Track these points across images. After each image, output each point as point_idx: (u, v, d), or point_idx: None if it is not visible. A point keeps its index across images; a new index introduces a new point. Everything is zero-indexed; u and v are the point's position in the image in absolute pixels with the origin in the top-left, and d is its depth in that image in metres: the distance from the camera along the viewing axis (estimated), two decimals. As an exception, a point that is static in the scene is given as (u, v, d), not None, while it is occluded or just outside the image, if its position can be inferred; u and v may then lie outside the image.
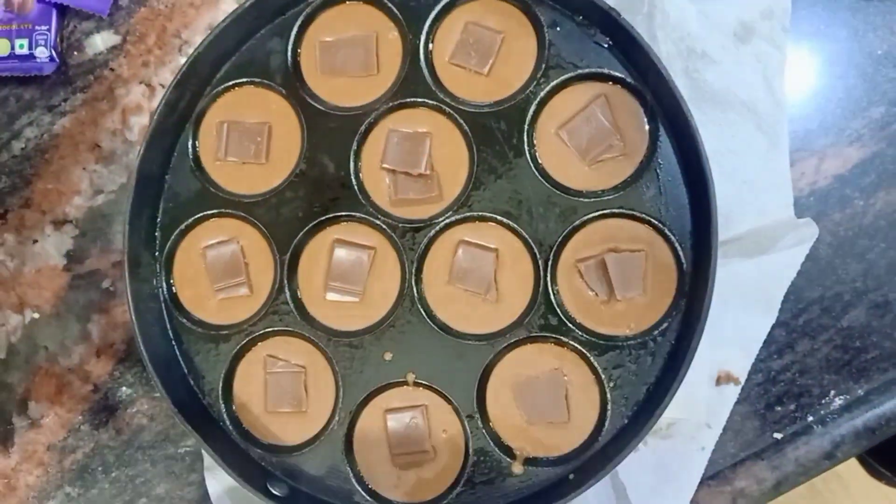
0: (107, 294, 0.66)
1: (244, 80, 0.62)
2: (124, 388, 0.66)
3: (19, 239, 0.67)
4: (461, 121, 0.60)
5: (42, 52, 0.66)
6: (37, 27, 0.67)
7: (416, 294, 0.60)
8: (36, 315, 0.67)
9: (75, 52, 0.68)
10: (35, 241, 0.67)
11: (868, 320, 0.61)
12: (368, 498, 0.59)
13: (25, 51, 0.66)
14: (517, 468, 0.58)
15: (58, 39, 0.67)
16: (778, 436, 0.60)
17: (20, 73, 0.67)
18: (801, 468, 0.60)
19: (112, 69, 0.67)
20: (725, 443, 0.60)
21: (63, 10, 0.67)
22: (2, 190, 0.67)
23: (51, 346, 0.66)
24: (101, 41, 0.68)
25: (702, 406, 0.60)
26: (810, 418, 0.61)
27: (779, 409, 0.61)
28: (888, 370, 0.60)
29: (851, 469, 1.22)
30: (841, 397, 0.60)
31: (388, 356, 0.60)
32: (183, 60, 0.61)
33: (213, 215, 0.62)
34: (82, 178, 0.67)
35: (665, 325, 0.58)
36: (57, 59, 0.67)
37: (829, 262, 0.61)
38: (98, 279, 0.66)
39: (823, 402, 0.61)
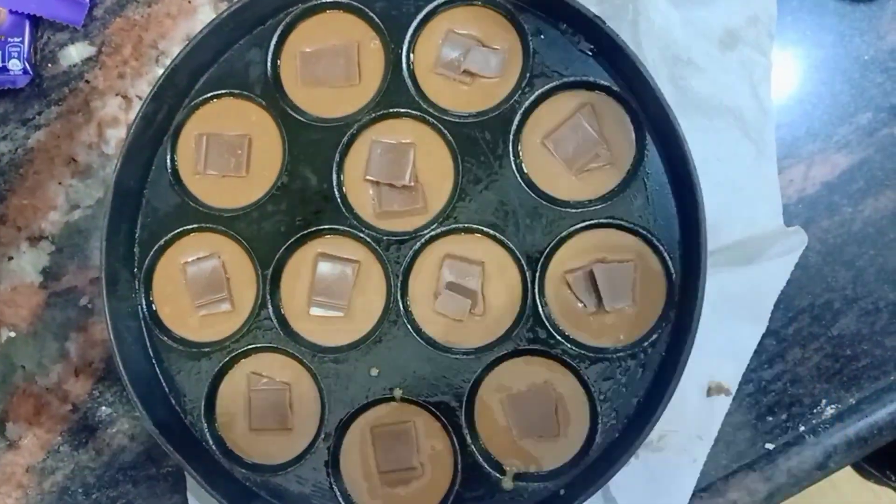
0: (85, 312, 0.65)
1: (223, 91, 0.61)
2: (104, 408, 0.64)
3: (-10, 256, 0.65)
4: (445, 131, 0.59)
5: (15, 65, 0.65)
6: (9, 39, 0.65)
7: (401, 308, 0.59)
8: (12, 334, 0.65)
9: (49, 65, 0.66)
10: (10, 258, 0.65)
11: (858, 328, 0.60)
12: (356, 517, 0.58)
13: (-2, 63, 0.65)
14: (507, 484, 0.57)
15: (31, 51, 0.66)
16: (770, 446, 0.60)
17: (-7, 86, 0.65)
18: (794, 479, 0.59)
19: (87, 81, 0.66)
20: (717, 454, 0.60)
21: (36, 22, 0.66)
22: (-25, 206, 0.66)
23: (28, 365, 0.65)
24: (75, 53, 0.66)
25: (693, 418, 0.59)
26: (802, 428, 0.60)
27: (770, 419, 0.60)
28: (879, 378, 0.60)
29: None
30: (832, 406, 0.60)
31: (374, 372, 0.59)
32: (160, 72, 0.60)
33: (192, 230, 0.61)
34: (58, 193, 0.65)
35: (655, 336, 0.57)
36: (31, 72, 0.65)
37: (819, 269, 0.60)
38: (76, 296, 0.65)
39: (815, 411, 0.60)
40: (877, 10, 0.61)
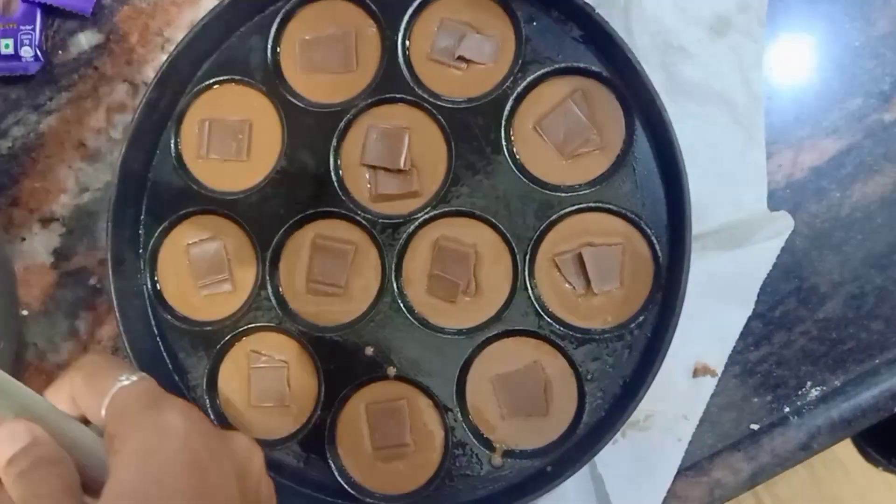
0: (94, 291, 0.67)
1: (225, 77, 0.63)
2: (112, 384, 0.67)
3: (8, 238, 0.68)
4: (439, 117, 0.61)
5: (27, 52, 0.67)
6: (21, 27, 0.67)
7: (396, 289, 0.60)
8: (25, 312, 0.67)
9: (60, 52, 0.68)
10: (23, 240, 0.68)
11: (844, 312, 0.61)
12: (351, 490, 0.60)
13: (11, 51, 0.67)
14: (496, 460, 0.59)
15: (42, 39, 0.68)
16: (754, 427, 0.61)
17: (6, 72, 0.67)
18: (777, 459, 0.61)
19: (96, 68, 0.68)
20: (703, 434, 0.61)
21: (47, 10, 0.68)
22: (-10, 189, 0.68)
23: (40, 342, 0.67)
24: (84, 40, 0.68)
25: (679, 398, 0.60)
26: (787, 409, 0.61)
27: (756, 400, 0.61)
28: (864, 361, 0.61)
29: (851, 455, 1.23)
30: (817, 388, 0.61)
31: (369, 351, 0.60)
32: (165, 59, 0.61)
33: (195, 212, 0.63)
34: (68, 177, 0.68)
35: (642, 318, 0.58)
36: (42, 59, 0.67)
37: (806, 253, 0.61)
38: (85, 276, 0.67)
39: (800, 393, 0.61)
40: (868, -5, 0.61)
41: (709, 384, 0.60)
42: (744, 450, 0.61)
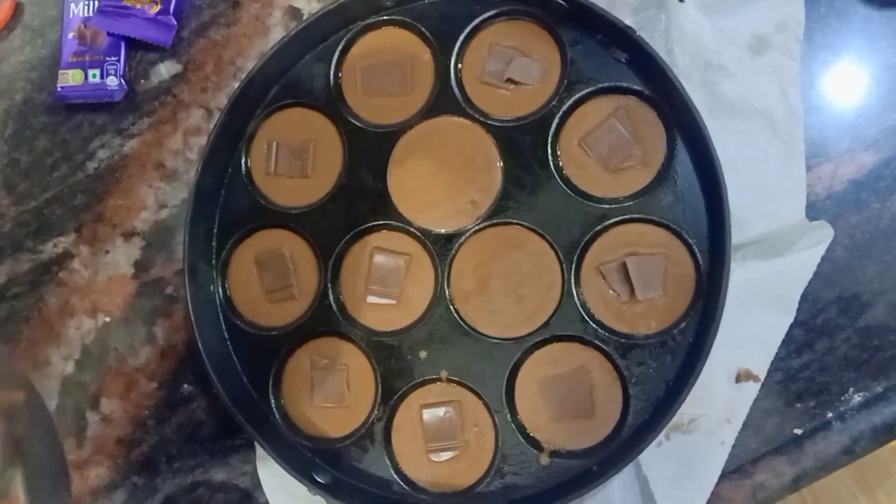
0: (170, 299, 0.72)
1: (290, 101, 0.68)
2: (185, 386, 0.71)
3: (93, 251, 0.73)
4: (490, 135, 0.64)
5: (112, 81, 0.73)
6: (107, 58, 0.73)
7: (448, 297, 0.64)
8: (107, 319, 0.73)
9: (142, 80, 0.74)
10: (107, 252, 0.73)
11: (886, 320, 0.62)
12: (405, 486, 0.63)
13: (97, 80, 0.73)
14: (544, 460, 0.62)
15: (126, 69, 0.74)
16: (798, 431, 0.62)
17: (93, 99, 0.73)
18: (820, 463, 0.62)
19: (174, 95, 0.74)
20: (746, 438, 0.62)
21: (131, 43, 0.74)
22: (77, 206, 0.74)
23: (120, 347, 0.72)
24: (164, 70, 0.74)
25: (722, 403, 0.62)
26: (829, 415, 0.62)
27: (798, 405, 0.62)
28: (906, 368, 0.62)
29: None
30: (860, 394, 0.62)
31: (423, 354, 0.64)
32: (237, 85, 0.67)
33: (263, 226, 0.67)
34: (148, 195, 0.73)
35: (684, 324, 0.61)
36: (126, 87, 0.73)
37: (846, 263, 0.63)
38: (162, 286, 0.72)
39: (842, 398, 0.62)
40: (904, 14, 0.63)
41: (752, 389, 0.62)
42: (787, 454, 0.62)
